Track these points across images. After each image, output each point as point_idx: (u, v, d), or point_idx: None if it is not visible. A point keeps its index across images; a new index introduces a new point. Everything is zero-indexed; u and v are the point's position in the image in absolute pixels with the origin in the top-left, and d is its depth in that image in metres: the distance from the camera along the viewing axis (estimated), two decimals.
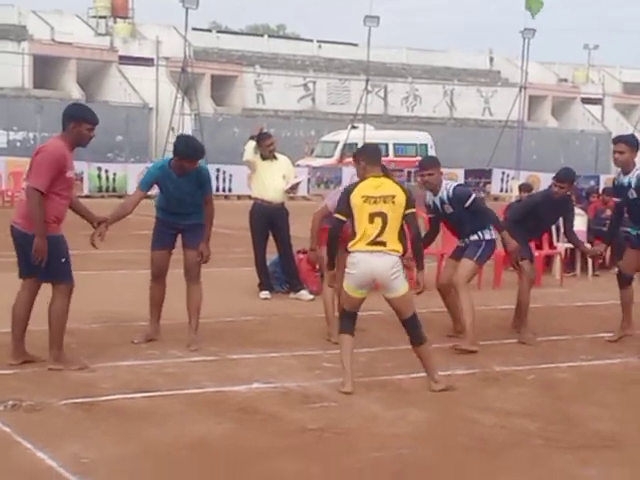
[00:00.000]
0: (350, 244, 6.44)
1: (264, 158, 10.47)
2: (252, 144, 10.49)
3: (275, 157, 10.54)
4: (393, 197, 6.38)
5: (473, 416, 6.05)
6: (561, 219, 9.21)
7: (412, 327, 6.54)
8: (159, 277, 7.86)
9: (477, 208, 8.10)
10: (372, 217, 6.34)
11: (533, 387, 6.92)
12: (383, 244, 6.33)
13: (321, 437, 5.50)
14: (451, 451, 5.38)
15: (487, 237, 8.13)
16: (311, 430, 5.60)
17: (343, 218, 6.51)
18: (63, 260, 6.73)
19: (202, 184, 7.65)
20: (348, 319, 6.60)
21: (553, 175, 8.75)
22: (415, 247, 6.65)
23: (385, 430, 5.69)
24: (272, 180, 10.31)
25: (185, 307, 7.85)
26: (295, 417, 5.84)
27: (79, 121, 6.78)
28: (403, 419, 5.93)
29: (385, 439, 5.51)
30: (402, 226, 6.48)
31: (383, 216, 6.33)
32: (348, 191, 6.54)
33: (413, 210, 6.50)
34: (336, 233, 6.64)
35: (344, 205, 6.50)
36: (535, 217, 8.81)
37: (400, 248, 6.40)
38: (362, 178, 6.59)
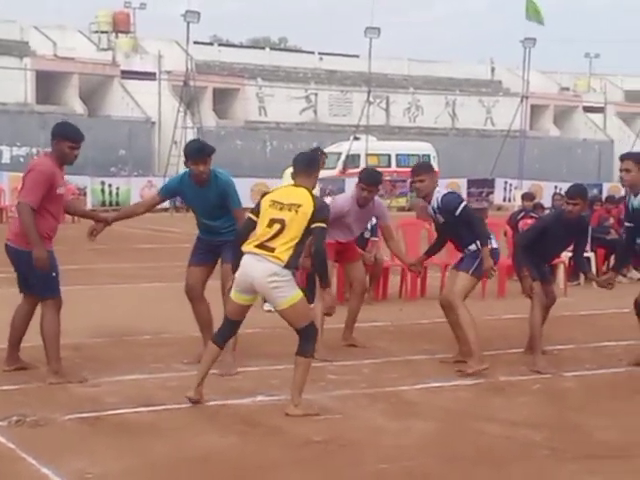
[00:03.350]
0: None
1: None
2: (289, 171, 10.07)
3: None
4: (298, 206, 6.05)
5: (479, 427, 6.03)
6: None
7: (302, 337, 6.16)
8: (191, 295, 7.54)
9: (467, 218, 7.55)
10: (272, 222, 6.06)
11: (538, 397, 6.90)
12: (270, 249, 5.99)
13: (326, 450, 5.49)
14: (457, 462, 5.36)
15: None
16: (316, 443, 5.58)
17: (254, 218, 6.23)
18: (54, 274, 6.83)
19: (225, 194, 7.23)
20: (223, 328, 6.38)
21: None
22: (316, 263, 6.18)
23: (390, 442, 5.67)
24: None
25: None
26: (299, 430, 5.83)
27: (59, 139, 6.84)
28: (408, 430, 5.92)
29: (390, 451, 5.49)
30: (303, 241, 6.07)
31: (282, 223, 6.03)
32: (264, 194, 6.42)
33: (321, 225, 6.07)
34: (244, 232, 6.32)
35: (257, 206, 6.28)
36: (545, 241, 7.92)
37: (285, 258, 5.96)
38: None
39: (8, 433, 5.58)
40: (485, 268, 7.50)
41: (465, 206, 7.58)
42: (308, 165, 6.44)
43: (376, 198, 8.36)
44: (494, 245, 7.69)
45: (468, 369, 7.28)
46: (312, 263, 6.35)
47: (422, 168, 7.91)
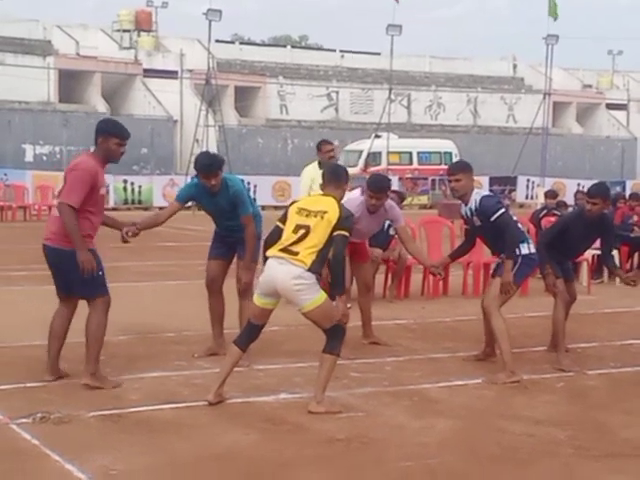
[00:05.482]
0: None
1: (322, 167, 10.11)
2: (307, 171, 9.90)
3: None
4: (324, 212, 6.12)
5: (502, 425, 6.01)
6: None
7: (329, 336, 6.23)
8: (212, 288, 7.80)
9: (502, 225, 7.21)
10: (297, 228, 6.11)
11: (562, 395, 6.86)
12: (293, 253, 6.03)
13: (348, 447, 5.48)
14: (480, 460, 5.34)
15: (524, 252, 7.34)
16: (338, 440, 5.58)
17: (281, 225, 6.27)
18: (100, 273, 6.61)
19: (236, 201, 7.45)
20: (245, 331, 6.41)
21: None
22: (331, 271, 6.22)
23: (413, 440, 5.66)
24: None
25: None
26: (322, 427, 5.83)
27: (106, 136, 6.67)
28: (431, 428, 5.90)
29: (413, 449, 5.48)
30: (327, 247, 6.09)
31: (307, 228, 6.09)
32: (292, 202, 6.53)
33: (343, 233, 6.09)
34: (271, 239, 6.29)
35: (284, 214, 6.35)
36: (567, 239, 7.82)
37: (309, 262, 5.99)
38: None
39: (33, 430, 5.61)
40: (503, 282, 7.21)
41: (503, 214, 7.23)
42: (338, 176, 6.50)
43: (388, 201, 8.17)
44: (531, 250, 7.44)
45: (498, 380, 7.05)
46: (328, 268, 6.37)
47: (458, 167, 7.61)
